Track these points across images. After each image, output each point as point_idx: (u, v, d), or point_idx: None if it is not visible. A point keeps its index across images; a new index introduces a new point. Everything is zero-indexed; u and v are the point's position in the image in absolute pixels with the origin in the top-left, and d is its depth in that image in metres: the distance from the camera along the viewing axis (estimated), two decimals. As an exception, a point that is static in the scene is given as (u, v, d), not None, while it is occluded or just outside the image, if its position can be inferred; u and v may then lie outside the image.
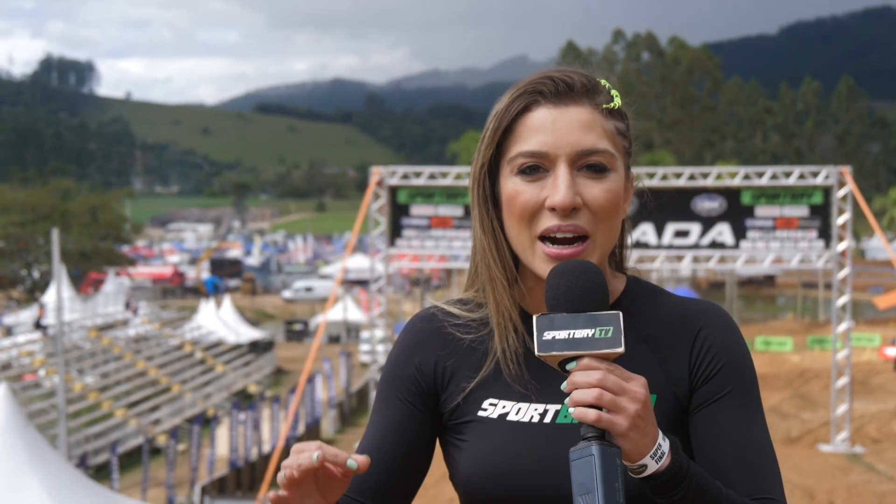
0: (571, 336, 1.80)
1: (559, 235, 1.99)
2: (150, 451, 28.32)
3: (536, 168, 2.02)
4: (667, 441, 1.84)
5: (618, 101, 2.10)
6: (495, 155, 2.09)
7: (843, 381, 27.97)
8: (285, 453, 29.09)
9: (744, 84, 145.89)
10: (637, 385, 1.80)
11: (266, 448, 30.00)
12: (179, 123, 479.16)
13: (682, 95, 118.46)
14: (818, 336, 49.15)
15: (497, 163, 2.10)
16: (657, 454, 1.81)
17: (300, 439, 31.49)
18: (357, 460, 1.83)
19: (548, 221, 2.00)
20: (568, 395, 1.81)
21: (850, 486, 24.24)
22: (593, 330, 1.80)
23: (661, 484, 1.82)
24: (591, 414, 1.75)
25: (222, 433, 32.15)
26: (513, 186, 2.04)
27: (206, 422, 32.00)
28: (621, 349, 1.79)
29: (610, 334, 1.80)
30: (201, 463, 27.47)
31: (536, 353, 1.82)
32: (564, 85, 2.05)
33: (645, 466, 1.81)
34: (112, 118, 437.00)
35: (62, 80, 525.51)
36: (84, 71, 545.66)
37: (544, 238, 2.01)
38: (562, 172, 2.00)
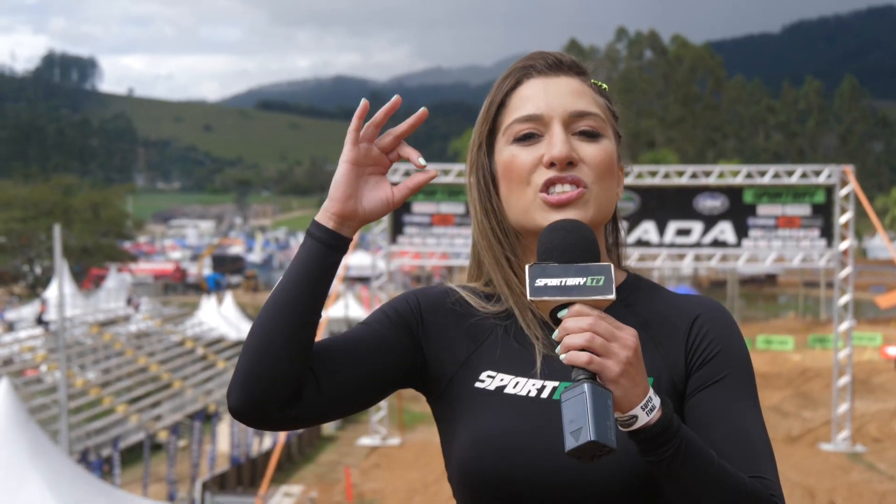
0: (563, 283, 1.82)
1: (558, 188, 2.02)
2: (151, 447, 28.32)
3: (531, 135, 2.06)
4: (658, 397, 1.85)
5: (605, 86, 2.16)
6: (490, 135, 2.14)
7: (844, 380, 27.97)
8: (286, 450, 29.12)
9: (746, 83, 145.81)
10: (628, 334, 1.82)
11: (267, 444, 30.00)
12: (181, 120, 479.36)
13: (685, 94, 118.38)
14: (819, 335, 49.10)
15: (492, 141, 2.14)
16: (648, 406, 1.82)
17: (301, 436, 31.49)
18: (424, 163, 1.99)
19: (547, 175, 2.03)
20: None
21: (850, 486, 24.25)
22: (585, 279, 1.82)
23: (651, 438, 1.83)
24: (583, 356, 1.77)
25: (223, 429, 32.14)
26: (509, 153, 2.09)
27: (207, 418, 32.01)
28: (612, 297, 1.81)
29: (601, 283, 1.82)
30: (202, 459, 27.49)
31: (528, 298, 1.84)
32: (555, 59, 2.12)
33: (635, 418, 1.81)
34: (114, 114, 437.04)
35: (64, 76, 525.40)
36: (86, 67, 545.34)
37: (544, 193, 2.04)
38: (557, 130, 2.04)
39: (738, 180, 27.25)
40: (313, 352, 2.02)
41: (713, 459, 1.88)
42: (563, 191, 2.02)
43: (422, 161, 1.97)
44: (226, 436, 30.25)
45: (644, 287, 2.20)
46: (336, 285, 34.15)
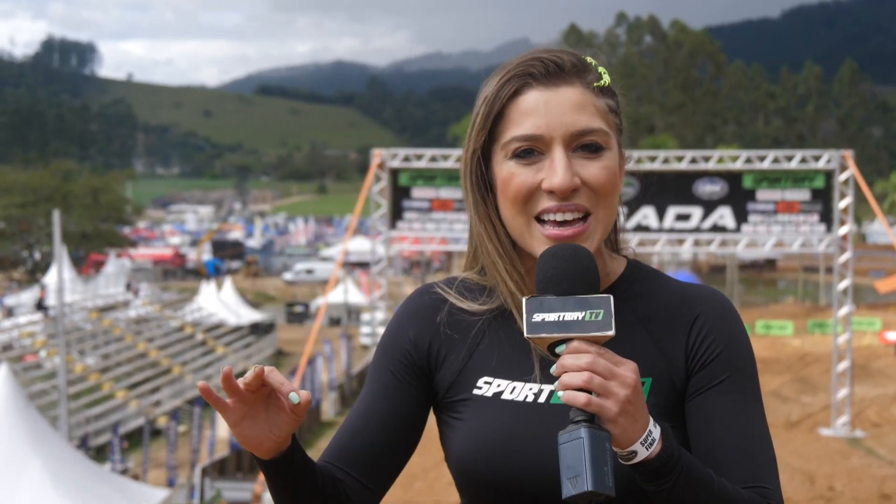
0: (561, 318, 1.78)
1: (559, 217, 1.97)
2: (151, 433, 28.36)
3: (531, 151, 1.99)
4: (658, 428, 1.82)
5: (607, 79, 2.07)
6: (487, 140, 2.06)
7: (843, 365, 27.99)
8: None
9: (746, 68, 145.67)
10: (628, 370, 1.78)
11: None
12: (181, 105, 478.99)
13: (684, 79, 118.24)
14: (819, 320, 49.14)
15: (489, 148, 2.07)
16: (647, 441, 1.79)
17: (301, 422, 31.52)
18: (300, 395, 1.86)
19: (545, 203, 1.98)
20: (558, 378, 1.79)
21: (850, 471, 24.28)
22: (583, 313, 1.78)
23: (652, 471, 1.81)
24: (581, 397, 1.74)
25: (223, 415, 32.11)
26: (507, 170, 2.02)
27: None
28: (611, 332, 1.77)
29: (600, 317, 1.77)
30: (202, 444, 27.52)
31: (525, 335, 1.80)
32: (554, 65, 2.03)
33: (635, 453, 1.79)
34: (114, 100, 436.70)
35: (64, 61, 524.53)
36: (85, 52, 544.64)
37: (541, 220, 1.99)
38: (558, 155, 1.97)
39: (738, 165, 27.23)
40: (352, 460, 2.11)
41: (713, 483, 1.87)
42: (564, 219, 1.97)
43: (293, 398, 1.87)
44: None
45: (644, 277, 2.15)
46: (335, 271, 34.14)
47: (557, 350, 1.80)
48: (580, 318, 1.78)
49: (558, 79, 2.02)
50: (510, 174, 2.01)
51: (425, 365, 2.14)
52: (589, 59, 2.09)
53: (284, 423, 1.90)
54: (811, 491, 22.60)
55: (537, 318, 1.79)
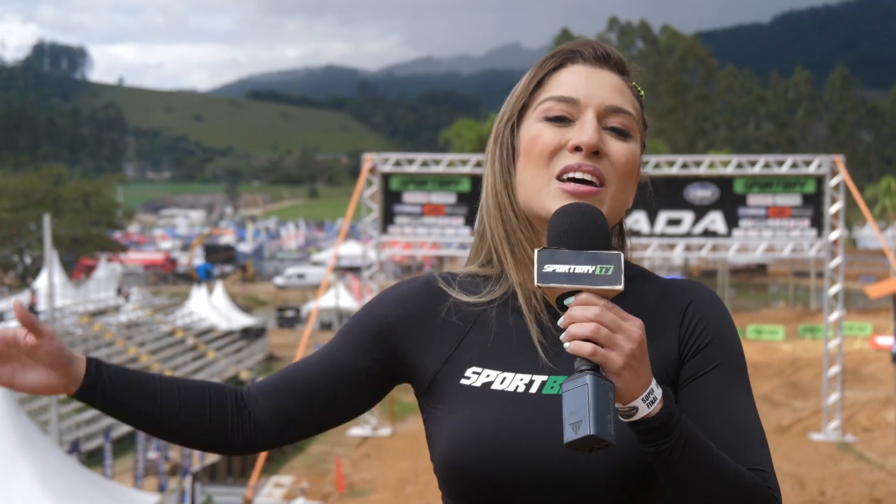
0: (572, 270, 1.80)
1: (579, 175, 2.00)
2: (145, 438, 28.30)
3: (563, 118, 2.03)
4: (660, 389, 1.83)
5: (642, 92, 2.16)
6: (522, 110, 2.11)
7: (834, 369, 28.03)
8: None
9: (737, 73, 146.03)
10: (634, 325, 1.80)
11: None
12: (172, 109, 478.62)
13: (675, 84, 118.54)
14: (810, 325, 49.25)
15: (521, 119, 2.11)
16: (649, 398, 1.80)
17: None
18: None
19: (569, 160, 2.01)
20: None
21: (840, 475, 24.31)
22: (594, 267, 1.80)
23: (651, 430, 1.81)
24: (587, 346, 1.75)
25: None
26: (536, 129, 2.05)
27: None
28: (621, 287, 1.80)
29: (610, 272, 1.80)
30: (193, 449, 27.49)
31: (536, 283, 1.82)
32: (604, 52, 2.10)
33: (636, 409, 1.80)
34: (104, 104, 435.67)
35: (54, 65, 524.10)
36: (76, 56, 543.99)
37: (560, 179, 2.01)
38: (589, 117, 2.02)
39: (729, 170, 27.27)
40: (265, 390, 2.18)
41: (713, 452, 1.86)
42: (583, 178, 2.00)
43: (29, 339, 2.05)
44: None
45: (633, 274, 2.16)
46: (327, 275, 34.12)
47: (566, 302, 1.82)
48: (590, 272, 1.80)
49: (603, 63, 2.10)
50: (539, 132, 2.05)
51: (390, 339, 2.13)
52: (633, 68, 2.16)
53: (44, 356, 2.06)
54: (802, 495, 22.63)
55: (548, 268, 1.81)
